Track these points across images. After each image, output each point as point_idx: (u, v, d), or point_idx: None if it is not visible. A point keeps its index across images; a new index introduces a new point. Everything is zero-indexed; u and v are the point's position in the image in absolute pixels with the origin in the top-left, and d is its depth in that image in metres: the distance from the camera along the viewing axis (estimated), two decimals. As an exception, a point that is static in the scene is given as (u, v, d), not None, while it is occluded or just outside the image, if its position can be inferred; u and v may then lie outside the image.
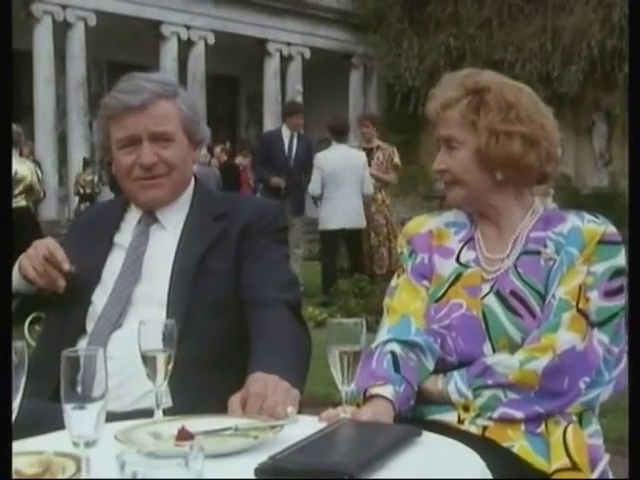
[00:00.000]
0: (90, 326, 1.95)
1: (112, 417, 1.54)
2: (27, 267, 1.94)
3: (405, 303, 1.87)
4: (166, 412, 1.70)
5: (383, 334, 1.84)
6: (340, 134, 8.66)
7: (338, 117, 9.80)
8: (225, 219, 2.05)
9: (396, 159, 9.23)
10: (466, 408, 1.73)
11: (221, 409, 1.59)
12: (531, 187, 1.89)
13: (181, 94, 2.07)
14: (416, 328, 1.82)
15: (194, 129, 2.08)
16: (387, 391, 1.67)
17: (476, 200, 1.87)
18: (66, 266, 1.93)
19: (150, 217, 2.07)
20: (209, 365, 1.88)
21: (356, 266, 8.80)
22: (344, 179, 8.36)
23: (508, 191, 1.85)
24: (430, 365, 1.80)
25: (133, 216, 2.10)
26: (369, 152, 9.09)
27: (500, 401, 1.71)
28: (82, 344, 1.92)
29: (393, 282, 1.95)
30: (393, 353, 1.77)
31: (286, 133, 8.97)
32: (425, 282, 1.89)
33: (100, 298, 1.98)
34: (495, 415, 1.71)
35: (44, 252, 1.93)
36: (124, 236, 2.07)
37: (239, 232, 2.02)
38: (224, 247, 2.01)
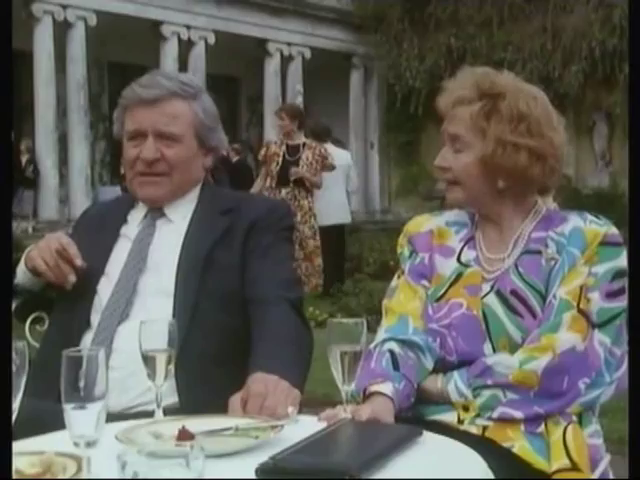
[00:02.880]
0: (95, 319, 1.95)
1: (113, 417, 1.55)
2: (37, 259, 1.94)
3: (403, 303, 1.87)
4: (172, 408, 1.72)
5: (381, 334, 1.84)
6: (320, 135, 8.71)
7: (317, 121, 9.77)
8: (232, 214, 2.06)
9: (330, 159, 8.18)
10: (466, 408, 1.73)
11: (225, 405, 1.60)
12: (533, 194, 1.89)
13: (202, 98, 2.08)
14: (414, 328, 1.82)
15: (207, 135, 2.07)
16: (386, 388, 1.67)
17: (475, 203, 1.87)
18: (78, 261, 1.93)
19: (157, 211, 2.08)
20: (215, 359, 1.89)
21: (338, 263, 8.70)
22: (329, 176, 8.46)
23: (508, 198, 1.85)
24: (429, 364, 1.80)
25: (140, 210, 2.11)
26: (294, 150, 8.01)
27: (499, 401, 1.71)
28: (87, 338, 1.93)
29: (393, 283, 1.95)
30: (392, 352, 1.77)
31: None
32: (424, 282, 1.89)
33: (105, 289, 1.98)
34: (495, 415, 1.71)
35: (56, 246, 1.93)
36: (131, 228, 2.08)
37: (246, 228, 2.03)
38: (231, 241, 2.02)
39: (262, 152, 8.17)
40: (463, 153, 1.82)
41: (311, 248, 8.10)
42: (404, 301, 1.87)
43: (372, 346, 1.80)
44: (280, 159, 7.96)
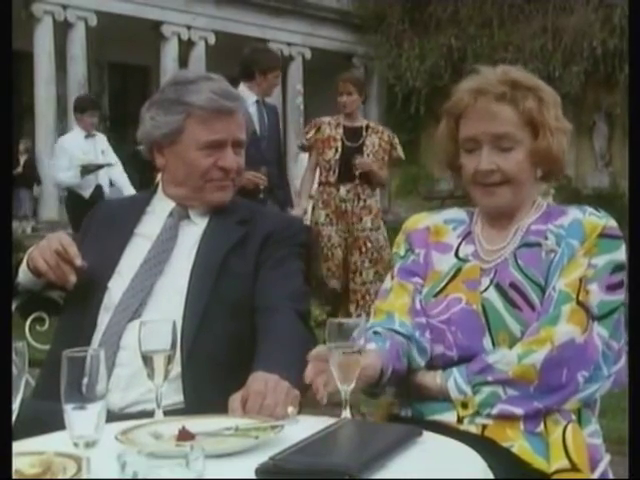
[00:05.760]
0: (103, 317, 1.96)
1: (115, 417, 1.55)
2: (38, 259, 1.94)
3: (392, 302, 1.88)
4: (177, 409, 1.75)
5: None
6: None
7: None
8: (248, 225, 2.09)
9: (399, 149, 6.07)
10: (465, 405, 1.73)
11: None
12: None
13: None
14: (400, 322, 1.82)
15: (248, 137, 2.15)
16: (369, 346, 1.67)
17: (516, 200, 1.85)
18: (78, 261, 1.93)
19: (183, 212, 2.09)
20: (222, 363, 1.90)
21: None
22: None
23: (534, 187, 1.86)
24: (415, 352, 1.79)
25: (157, 210, 2.12)
26: (354, 135, 5.92)
27: (499, 398, 1.71)
28: (96, 337, 1.93)
29: (387, 284, 1.95)
30: (376, 332, 1.79)
31: (250, 100, 5.30)
32: (415, 279, 1.88)
33: (117, 286, 1.99)
34: (494, 412, 1.71)
35: (57, 246, 1.93)
36: (145, 228, 2.09)
37: (261, 239, 2.06)
38: (245, 251, 2.04)
39: (310, 134, 5.99)
40: (513, 151, 1.80)
41: (385, 262, 5.80)
42: (393, 299, 1.88)
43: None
44: (339, 145, 5.87)
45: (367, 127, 5.99)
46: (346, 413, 1.53)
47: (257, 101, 5.47)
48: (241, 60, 5.61)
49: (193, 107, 2.02)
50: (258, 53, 5.70)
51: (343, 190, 5.88)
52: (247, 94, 5.25)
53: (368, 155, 5.87)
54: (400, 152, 6.08)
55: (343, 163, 5.83)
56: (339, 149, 5.85)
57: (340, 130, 5.89)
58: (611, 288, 1.75)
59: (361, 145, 5.89)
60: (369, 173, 5.85)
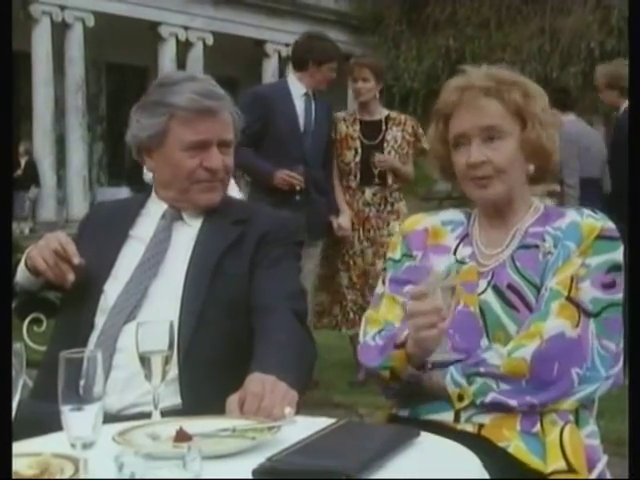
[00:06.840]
0: (100, 319, 1.96)
1: (112, 418, 1.55)
2: (37, 258, 1.95)
3: (385, 314, 1.88)
4: (175, 410, 1.75)
5: (368, 337, 1.85)
6: None
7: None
8: (244, 225, 2.08)
9: (423, 140, 5.11)
10: (461, 397, 1.73)
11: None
12: (532, 185, 1.91)
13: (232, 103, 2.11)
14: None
15: (237, 138, 2.13)
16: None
17: (508, 196, 1.85)
18: (76, 260, 1.93)
19: (175, 213, 2.09)
20: (219, 364, 1.90)
21: None
22: None
23: (526, 186, 1.86)
24: None
25: (151, 212, 2.12)
26: (373, 130, 5.20)
27: (492, 389, 1.71)
28: (92, 339, 1.93)
29: (379, 289, 1.95)
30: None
31: (299, 91, 5.01)
32: (408, 287, 1.87)
33: (112, 289, 1.99)
34: (487, 400, 1.70)
35: (55, 245, 1.94)
36: (140, 230, 2.09)
37: (257, 239, 2.05)
38: (241, 251, 2.03)
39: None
40: (503, 142, 1.81)
41: None
42: (385, 311, 1.89)
43: (364, 340, 1.84)
44: (358, 145, 5.17)
45: (387, 119, 5.23)
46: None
47: (306, 93, 4.99)
48: (294, 47, 5.24)
49: (175, 108, 2.01)
50: (314, 41, 5.09)
51: (368, 193, 5.17)
52: (296, 85, 4.96)
53: (389, 152, 5.15)
54: (424, 143, 5.05)
55: (364, 165, 5.13)
56: (358, 149, 5.15)
57: (357, 127, 5.18)
58: (607, 287, 1.76)
59: (381, 142, 5.17)
60: (391, 170, 5.17)
